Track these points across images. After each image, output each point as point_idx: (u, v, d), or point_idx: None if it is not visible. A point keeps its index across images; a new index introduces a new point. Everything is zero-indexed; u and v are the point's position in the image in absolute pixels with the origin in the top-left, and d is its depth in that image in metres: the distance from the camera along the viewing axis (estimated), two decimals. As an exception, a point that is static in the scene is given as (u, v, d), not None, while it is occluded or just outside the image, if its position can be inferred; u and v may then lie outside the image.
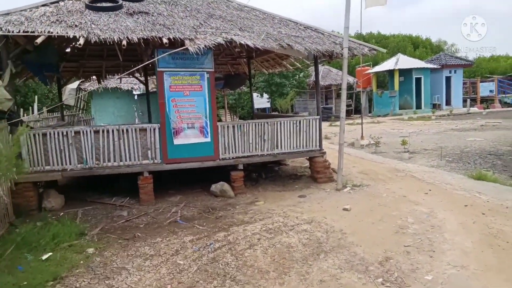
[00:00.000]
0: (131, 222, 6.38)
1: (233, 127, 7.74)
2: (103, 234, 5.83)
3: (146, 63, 6.82)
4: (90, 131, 6.89)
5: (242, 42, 6.81)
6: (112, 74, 12.51)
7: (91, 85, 14.78)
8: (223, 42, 6.75)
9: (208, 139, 7.56)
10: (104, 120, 14.62)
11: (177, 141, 7.36)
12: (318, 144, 8.24)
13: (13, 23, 6.15)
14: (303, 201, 7.11)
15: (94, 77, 12.60)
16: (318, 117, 8.25)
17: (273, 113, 28.89)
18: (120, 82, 13.56)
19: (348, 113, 28.11)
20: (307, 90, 26.53)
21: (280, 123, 8.00)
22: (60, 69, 11.03)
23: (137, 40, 6.36)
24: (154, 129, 7.26)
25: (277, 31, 7.77)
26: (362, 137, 14.17)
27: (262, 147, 7.93)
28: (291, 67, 11.63)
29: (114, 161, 7.07)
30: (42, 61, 8.14)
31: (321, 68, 27.64)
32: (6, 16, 6.41)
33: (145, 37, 6.45)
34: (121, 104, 14.50)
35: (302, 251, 4.85)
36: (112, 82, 14.51)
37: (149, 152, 7.24)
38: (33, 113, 14.66)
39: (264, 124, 7.89)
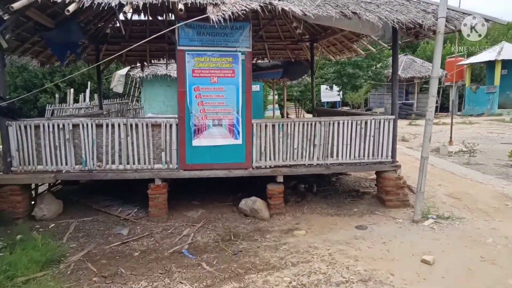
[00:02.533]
0: (127, 246, 4.87)
1: (273, 126, 5.84)
2: (83, 263, 4.39)
3: (154, 36, 5.23)
4: (92, 125, 5.52)
5: (286, 8, 4.85)
6: (157, 59, 11.31)
7: (144, 71, 13.85)
8: (258, 8, 4.85)
9: (239, 141, 5.77)
10: (153, 109, 13.65)
11: (198, 141, 5.69)
12: (390, 154, 6.00)
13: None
14: (361, 236, 5.00)
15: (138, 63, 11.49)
16: (393, 117, 5.98)
17: (343, 107, 26.23)
18: (167, 68, 12.42)
19: (433, 111, 24.42)
20: (385, 83, 23.37)
21: (338, 124, 5.91)
22: (101, 53, 10.10)
23: (141, 5, 4.75)
24: (171, 125, 5.66)
25: (340, -3, 5.64)
26: (450, 142, 11.29)
27: (311, 155, 5.93)
28: (362, 52, 9.29)
29: (120, 163, 5.63)
30: (65, 40, 7.03)
31: (402, 58, 24.26)
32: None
33: (152, 1, 4.81)
34: (172, 93, 13.35)
35: None
36: (162, 68, 13.43)
37: (163, 154, 5.68)
38: (84, 100, 14.22)
39: (315, 124, 5.86)
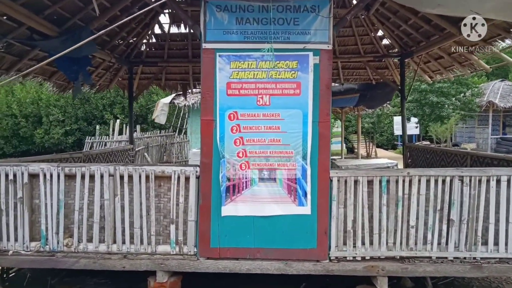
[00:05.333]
0: None
1: (369, 183, 3.18)
2: None
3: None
4: (58, 176, 3.29)
5: None
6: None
7: (190, 99, 11.99)
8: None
9: (306, 209, 3.18)
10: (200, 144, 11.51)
11: (233, 208, 3.21)
12: None
13: None
14: None
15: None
16: None
17: (422, 142, 22.55)
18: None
19: (540, 148, 19.83)
20: (478, 113, 19.48)
21: (498, 182, 3.09)
22: (136, 76, 8.29)
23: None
24: (187, 179, 3.26)
25: None
26: None
27: (442, 239, 3.14)
28: (487, 67, 6.31)
29: (101, 241, 3.30)
30: (73, 54, 5.14)
31: (499, 84, 20.28)
32: None
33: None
34: (221, 124, 11.15)
35: None
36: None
37: (172, 228, 3.26)
38: (135, 131, 12.55)
39: (450, 182, 3.11)
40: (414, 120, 20.67)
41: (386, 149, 23.60)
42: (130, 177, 3.27)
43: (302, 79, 3.19)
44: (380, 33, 7.23)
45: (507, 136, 20.06)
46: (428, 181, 3.13)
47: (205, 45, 3.22)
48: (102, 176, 3.27)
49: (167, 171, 3.27)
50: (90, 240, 3.30)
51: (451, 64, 6.84)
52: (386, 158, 13.82)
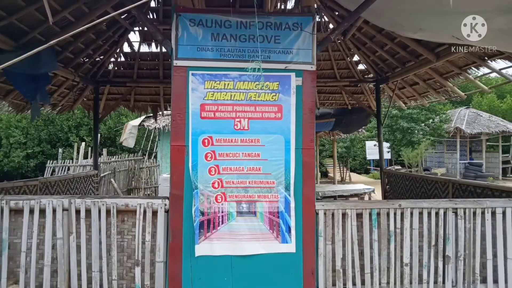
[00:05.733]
0: None
1: (358, 216, 2.90)
2: None
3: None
4: (2, 210, 2.81)
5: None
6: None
7: (161, 121, 11.54)
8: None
9: (290, 247, 2.84)
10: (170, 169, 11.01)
11: (208, 246, 2.82)
12: None
13: None
14: None
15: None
16: None
17: (394, 166, 22.87)
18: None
19: (504, 172, 20.51)
20: (446, 139, 20.01)
21: (493, 215, 2.89)
22: (103, 97, 7.84)
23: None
24: (155, 212, 2.86)
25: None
26: None
27: (438, 278, 2.88)
28: (462, 93, 6.32)
29: (55, 287, 2.82)
30: (30, 70, 4.68)
31: (464, 111, 21.02)
32: None
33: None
34: (194, 148, 10.72)
35: None
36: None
37: (137, 271, 2.82)
38: (101, 154, 11.90)
39: (444, 215, 2.87)
40: (386, 145, 20.98)
41: (359, 173, 23.78)
42: (88, 211, 2.83)
43: (284, 102, 2.92)
44: (356, 58, 7.20)
45: (474, 161, 20.67)
46: (420, 213, 2.89)
47: (176, 62, 2.90)
48: (54, 211, 2.82)
49: (132, 204, 2.86)
50: (39, 286, 2.80)
51: (426, 91, 6.84)
52: (361, 183, 13.76)
